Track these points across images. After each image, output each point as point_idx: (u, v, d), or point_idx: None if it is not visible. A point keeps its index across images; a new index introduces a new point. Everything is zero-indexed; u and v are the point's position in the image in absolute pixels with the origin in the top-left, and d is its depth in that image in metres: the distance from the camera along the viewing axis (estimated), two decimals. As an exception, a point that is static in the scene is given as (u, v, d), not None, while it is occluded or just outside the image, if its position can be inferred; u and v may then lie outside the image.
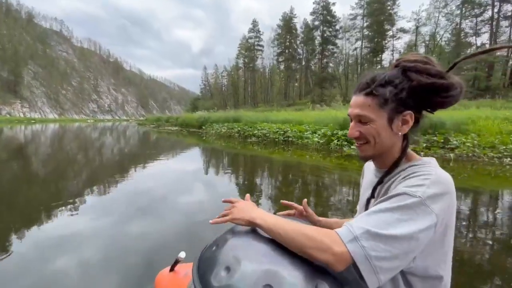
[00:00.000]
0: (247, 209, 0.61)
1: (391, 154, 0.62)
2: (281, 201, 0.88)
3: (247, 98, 61.92)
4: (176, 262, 0.74)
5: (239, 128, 12.13)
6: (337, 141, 7.69)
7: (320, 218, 0.88)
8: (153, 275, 0.80)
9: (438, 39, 36.01)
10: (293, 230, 0.51)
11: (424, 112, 0.61)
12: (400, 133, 0.59)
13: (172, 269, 0.74)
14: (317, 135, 8.55)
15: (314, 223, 0.86)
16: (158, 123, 29.23)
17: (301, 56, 50.88)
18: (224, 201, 0.71)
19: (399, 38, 38.10)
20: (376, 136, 0.59)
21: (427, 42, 37.40)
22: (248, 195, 0.78)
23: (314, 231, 0.50)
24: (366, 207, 0.68)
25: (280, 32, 51.81)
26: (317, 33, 46.16)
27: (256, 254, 0.50)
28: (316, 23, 45.40)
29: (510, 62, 26.73)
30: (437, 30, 36.25)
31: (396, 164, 0.61)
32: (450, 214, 0.52)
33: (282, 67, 53.80)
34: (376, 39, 40.16)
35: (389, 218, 0.48)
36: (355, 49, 45.51)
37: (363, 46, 42.58)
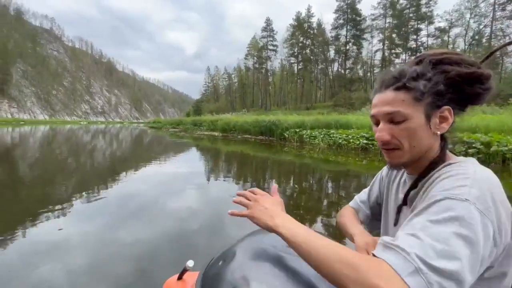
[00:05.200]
0: (270, 211, 0.52)
1: (426, 159, 0.54)
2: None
3: (257, 101, 59.06)
4: (184, 270, 0.69)
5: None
6: None
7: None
8: (159, 283, 0.75)
9: (466, 42, 34.44)
10: (328, 251, 0.41)
11: (456, 110, 0.53)
12: (439, 133, 0.52)
13: (180, 278, 0.70)
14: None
15: None
16: (184, 127, 25.58)
17: (318, 57, 48.48)
18: (239, 194, 0.61)
19: (438, 37, 36.19)
20: (411, 139, 0.51)
21: (454, 45, 35.88)
22: (275, 186, 0.63)
23: (357, 257, 0.39)
24: (398, 215, 0.61)
25: (293, 32, 49.26)
26: (341, 32, 43.72)
27: (268, 276, 0.43)
28: (341, 21, 43.01)
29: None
30: (467, 31, 34.84)
31: (433, 166, 0.52)
32: (506, 220, 0.42)
33: (296, 68, 51.26)
34: (403, 42, 38.24)
35: (446, 235, 0.38)
36: (377, 50, 43.81)
37: (384, 48, 40.69)
